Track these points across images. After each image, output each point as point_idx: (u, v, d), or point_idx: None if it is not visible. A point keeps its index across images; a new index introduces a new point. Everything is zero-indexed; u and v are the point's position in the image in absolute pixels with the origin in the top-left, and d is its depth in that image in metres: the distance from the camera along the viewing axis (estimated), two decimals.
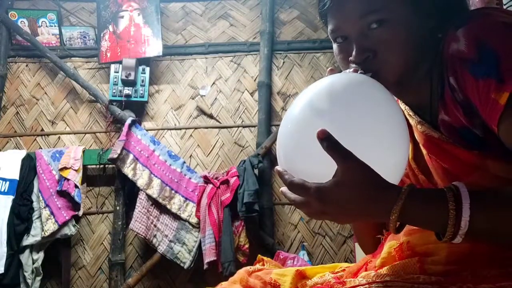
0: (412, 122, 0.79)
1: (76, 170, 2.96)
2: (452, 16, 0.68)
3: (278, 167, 0.69)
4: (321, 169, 0.63)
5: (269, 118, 3.25)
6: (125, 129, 3.04)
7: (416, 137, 0.79)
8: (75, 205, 2.93)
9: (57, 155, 3.05)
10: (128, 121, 3.07)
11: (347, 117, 0.65)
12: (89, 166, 3.17)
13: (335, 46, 0.78)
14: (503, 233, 0.57)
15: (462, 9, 0.70)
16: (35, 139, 3.34)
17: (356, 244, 2.71)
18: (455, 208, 0.55)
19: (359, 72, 0.72)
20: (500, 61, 0.58)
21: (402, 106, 0.81)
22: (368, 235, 0.86)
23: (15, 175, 2.90)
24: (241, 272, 0.85)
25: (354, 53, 0.72)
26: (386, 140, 0.66)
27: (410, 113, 0.78)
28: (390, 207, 0.58)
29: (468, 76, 0.62)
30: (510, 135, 0.59)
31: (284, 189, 0.67)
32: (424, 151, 0.77)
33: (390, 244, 0.74)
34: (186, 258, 2.89)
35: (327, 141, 0.59)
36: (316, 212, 0.63)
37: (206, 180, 3.01)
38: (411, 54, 0.71)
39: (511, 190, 0.58)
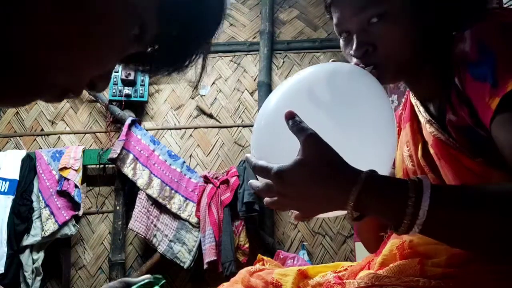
0: (421, 119, 0.79)
1: (76, 170, 2.95)
2: (466, 15, 0.68)
3: (247, 154, 0.69)
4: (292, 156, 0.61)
5: None
6: (125, 129, 3.04)
7: (425, 136, 0.79)
8: (75, 205, 2.93)
9: (57, 155, 3.05)
10: (128, 121, 3.06)
11: (322, 108, 0.67)
12: (89, 166, 3.17)
13: (341, 40, 0.79)
14: (463, 233, 0.55)
15: (478, 8, 0.69)
16: (35, 139, 3.34)
17: (356, 244, 2.70)
18: (415, 196, 0.53)
19: (360, 66, 0.74)
20: (496, 65, 0.58)
21: (414, 101, 0.81)
22: (370, 233, 0.86)
23: (15, 175, 2.90)
24: (243, 272, 0.84)
25: (353, 47, 0.74)
26: (365, 131, 0.68)
27: (420, 110, 0.78)
28: (349, 188, 0.56)
29: (468, 77, 0.62)
30: (498, 140, 0.59)
31: (251, 181, 0.67)
32: (432, 150, 0.77)
33: (393, 242, 0.73)
34: (186, 258, 2.89)
35: (292, 120, 0.61)
36: (279, 198, 0.62)
37: (206, 179, 3.01)
38: (412, 48, 0.72)
39: (489, 189, 0.54)
